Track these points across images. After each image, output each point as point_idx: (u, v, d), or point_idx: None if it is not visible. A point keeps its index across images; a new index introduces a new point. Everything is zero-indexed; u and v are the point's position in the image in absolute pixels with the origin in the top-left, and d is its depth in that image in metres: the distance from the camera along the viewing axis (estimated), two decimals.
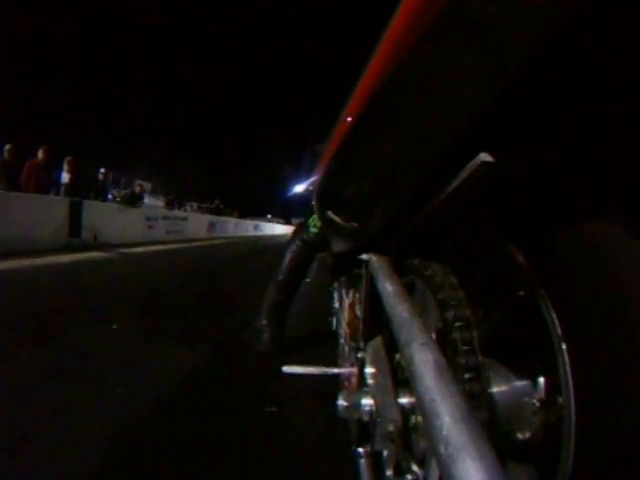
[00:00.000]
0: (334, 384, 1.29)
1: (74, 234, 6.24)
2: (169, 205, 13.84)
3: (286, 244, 1.94)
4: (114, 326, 2.23)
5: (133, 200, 9.03)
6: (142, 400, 1.39)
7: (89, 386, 1.48)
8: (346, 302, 1.35)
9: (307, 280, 2.21)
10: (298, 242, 1.86)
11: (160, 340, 2.06)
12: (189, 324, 2.43)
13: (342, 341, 1.35)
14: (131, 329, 2.21)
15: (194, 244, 9.78)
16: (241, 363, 1.81)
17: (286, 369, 1.04)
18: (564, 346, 0.34)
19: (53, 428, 1.17)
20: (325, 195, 0.86)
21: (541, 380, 0.43)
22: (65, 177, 7.31)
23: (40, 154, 6.46)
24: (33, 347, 1.82)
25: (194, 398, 1.45)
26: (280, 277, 1.86)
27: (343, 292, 1.55)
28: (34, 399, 1.35)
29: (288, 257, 1.86)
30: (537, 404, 0.43)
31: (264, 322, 1.84)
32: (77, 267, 4.53)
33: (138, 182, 11.45)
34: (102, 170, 8.62)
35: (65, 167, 7.34)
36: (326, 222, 0.73)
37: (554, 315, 0.35)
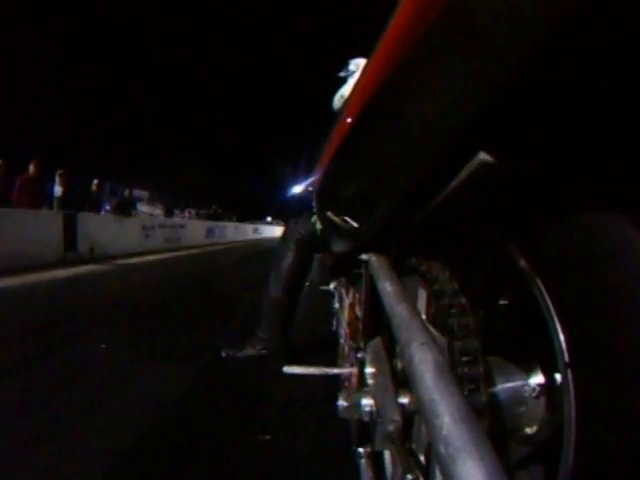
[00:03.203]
0: (334, 384, 1.29)
1: (69, 247, 6.11)
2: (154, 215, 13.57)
3: (278, 247, 1.81)
4: (102, 345, 2.13)
5: (124, 208, 8.70)
6: (127, 427, 1.30)
7: (73, 411, 1.39)
8: (346, 302, 1.35)
9: (307, 283, 2.15)
10: (292, 244, 1.74)
11: (151, 359, 1.96)
12: (183, 340, 2.32)
13: (342, 341, 1.35)
14: (121, 348, 2.11)
15: (192, 252, 9.60)
16: (235, 382, 1.72)
17: (286, 369, 1.04)
18: (564, 345, 0.34)
19: (32, 460, 1.10)
20: (325, 195, 0.87)
21: (541, 379, 0.43)
22: (58, 190, 7.17)
23: (31, 168, 6.34)
24: (16, 370, 1.74)
25: (185, 425, 1.35)
26: (281, 282, 1.73)
27: (343, 292, 1.55)
28: (12, 429, 1.27)
29: (286, 260, 1.74)
30: (537, 403, 0.43)
31: (268, 330, 1.76)
32: (71, 282, 4.41)
33: (127, 189, 10.69)
34: (95, 181, 8.44)
35: (57, 180, 7.19)
36: (326, 222, 0.73)
37: (554, 314, 0.35)
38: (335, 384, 1.27)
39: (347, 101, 0.57)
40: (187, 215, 17.36)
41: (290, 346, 1.83)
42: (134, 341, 2.26)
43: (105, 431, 1.29)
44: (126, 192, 10.05)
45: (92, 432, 1.27)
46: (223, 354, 1.90)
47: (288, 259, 1.74)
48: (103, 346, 2.12)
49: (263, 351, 1.78)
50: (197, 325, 2.70)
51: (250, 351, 1.83)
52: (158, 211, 15.59)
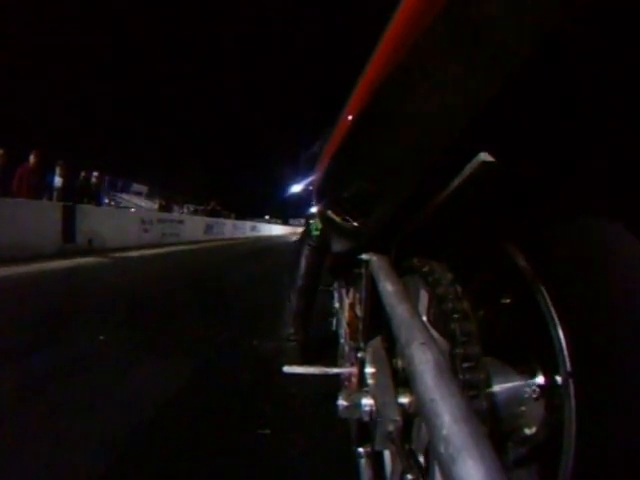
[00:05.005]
0: (334, 384, 1.29)
1: (68, 239, 6.13)
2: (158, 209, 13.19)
3: (296, 250, 1.92)
4: (101, 337, 2.12)
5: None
6: (121, 425, 1.26)
7: (65, 408, 1.35)
8: (346, 302, 1.35)
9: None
10: (306, 247, 1.86)
11: (149, 352, 1.94)
12: (181, 334, 2.31)
13: (342, 341, 1.35)
14: (118, 340, 2.10)
15: (190, 247, 9.53)
16: (233, 379, 1.70)
17: (286, 369, 1.04)
18: (564, 345, 0.34)
19: (25, 454, 1.08)
20: (325, 195, 0.86)
21: (542, 379, 0.43)
22: (58, 181, 7.15)
23: (32, 159, 6.34)
24: (9, 362, 1.71)
25: (182, 418, 1.32)
26: (298, 283, 1.85)
27: (343, 292, 1.55)
28: (4, 423, 1.24)
29: (301, 263, 1.86)
30: (537, 403, 0.43)
31: (291, 331, 1.80)
32: (68, 273, 4.40)
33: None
34: (95, 173, 8.33)
35: (57, 171, 7.17)
36: (326, 222, 0.73)
37: (554, 314, 0.35)
38: (335, 384, 1.27)
39: (347, 101, 0.57)
40: (185, 211, 17.27)
41: (310, 347, 1.86)
42: (131, 334, 2.25)
43: (101, 424, 1.27)
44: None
45: (87, 427, 1.25)
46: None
47: (302, 263, 1.85)
48: (101, 337, 2.12)
49: (288, 352, 1.79)
50: (195, 319, 2.69)
51: (275, 351, 1.85)
52: (155, 206, 15.40)
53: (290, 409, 1.46)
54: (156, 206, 15.49)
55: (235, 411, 1.42)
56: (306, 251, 1.83)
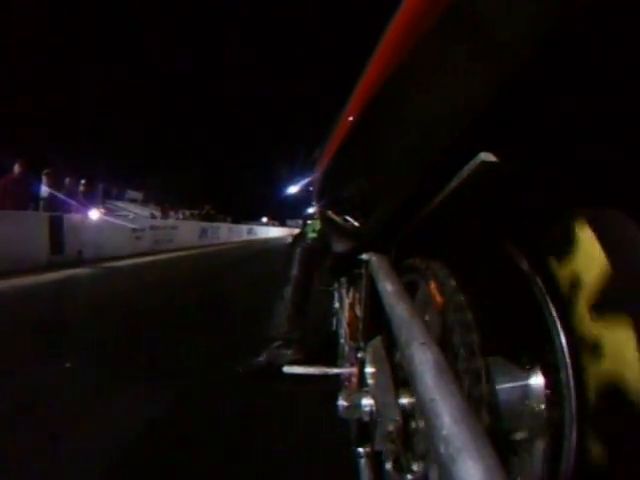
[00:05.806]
0: (334, 384, 1.29)
1: (56, 250, 5.87)
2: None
3: (289, 252, 1.91)
4: (67, 364, 1.85)
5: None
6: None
7: (19, 449, 1.17)
8: (346, 302, 1.36)
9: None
10: (300, 250, 1.86)
11: (120, 382, 1.67)
12: (161, 357, 2.06)
13: (342, 341, 1.35)
14: (88, 367, 1.85)
15: (184, 253, 9.23)
16: (217, 413, 1.48)
17: (286, 369, 1.04)
18: (565, 345, 0.34)
19: None
20: (325, 195, 0.87)
21: (542, 379, 0.43)
22: (44, 191, 6.85)
23: (16, 168, 6.10)
24: None
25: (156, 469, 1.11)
26: (291, 285, 1.84)
27: (343, 292, 1.55)
28: None
29: (294, 264, 1.86)
30: (538, 403, 0.43)
31: (287, 329, 1.78)
32: (52, 288, 4.14)
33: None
34: (82, 181, 8.02)
35: (44, 180, 6.87)
36: (326, 222, 0.73)
37: (555, 314, 0.35)
38: (335, 384, 1.26)
39: (347, 101, 0.57)
40: (181, 216, 17.09)
41: (306, 347, 1.84)
42: (106, 358, 2.00)
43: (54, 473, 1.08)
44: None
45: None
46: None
47: (295, 265, 1.84)
48: (68, 365, 1.86)
49: (284, 352, 1.71)
50: (180, 339, 2.41)
51: (269, 355, 1.73)
52: (146, 213, 15.08)
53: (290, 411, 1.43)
54: (150, 214, 15.27)
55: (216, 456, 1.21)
56: (299, 252, 1.83)
